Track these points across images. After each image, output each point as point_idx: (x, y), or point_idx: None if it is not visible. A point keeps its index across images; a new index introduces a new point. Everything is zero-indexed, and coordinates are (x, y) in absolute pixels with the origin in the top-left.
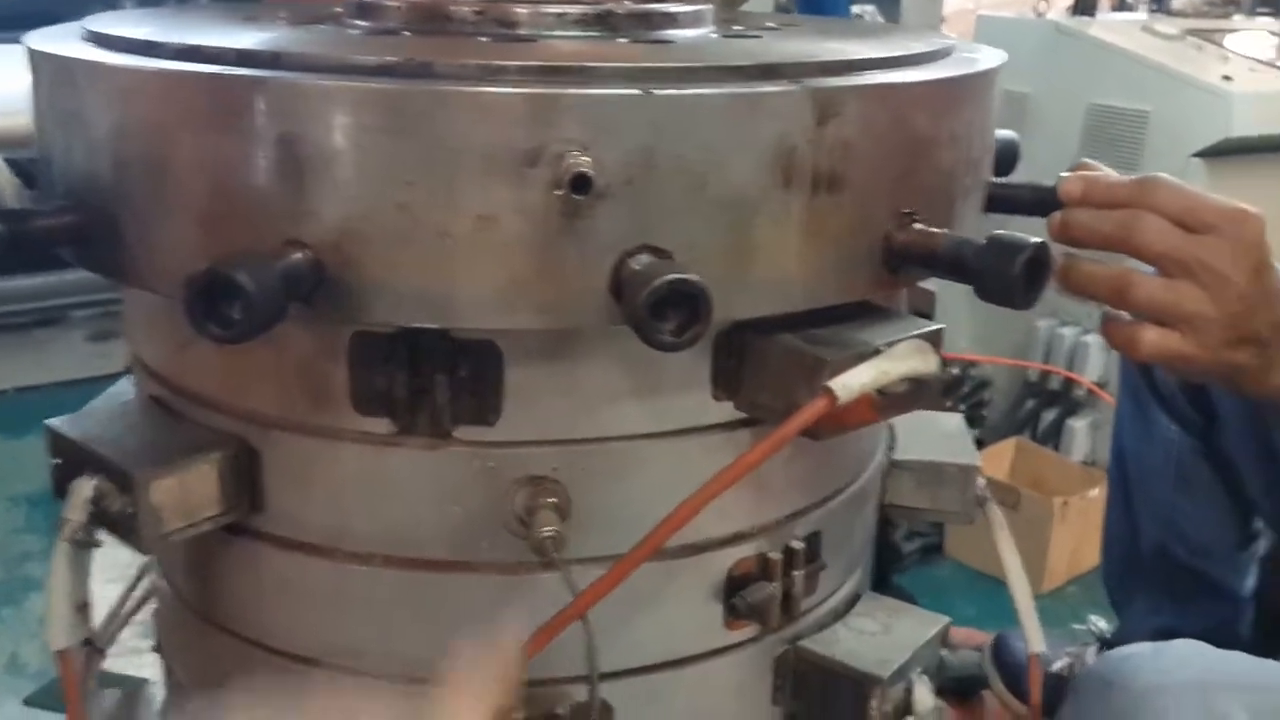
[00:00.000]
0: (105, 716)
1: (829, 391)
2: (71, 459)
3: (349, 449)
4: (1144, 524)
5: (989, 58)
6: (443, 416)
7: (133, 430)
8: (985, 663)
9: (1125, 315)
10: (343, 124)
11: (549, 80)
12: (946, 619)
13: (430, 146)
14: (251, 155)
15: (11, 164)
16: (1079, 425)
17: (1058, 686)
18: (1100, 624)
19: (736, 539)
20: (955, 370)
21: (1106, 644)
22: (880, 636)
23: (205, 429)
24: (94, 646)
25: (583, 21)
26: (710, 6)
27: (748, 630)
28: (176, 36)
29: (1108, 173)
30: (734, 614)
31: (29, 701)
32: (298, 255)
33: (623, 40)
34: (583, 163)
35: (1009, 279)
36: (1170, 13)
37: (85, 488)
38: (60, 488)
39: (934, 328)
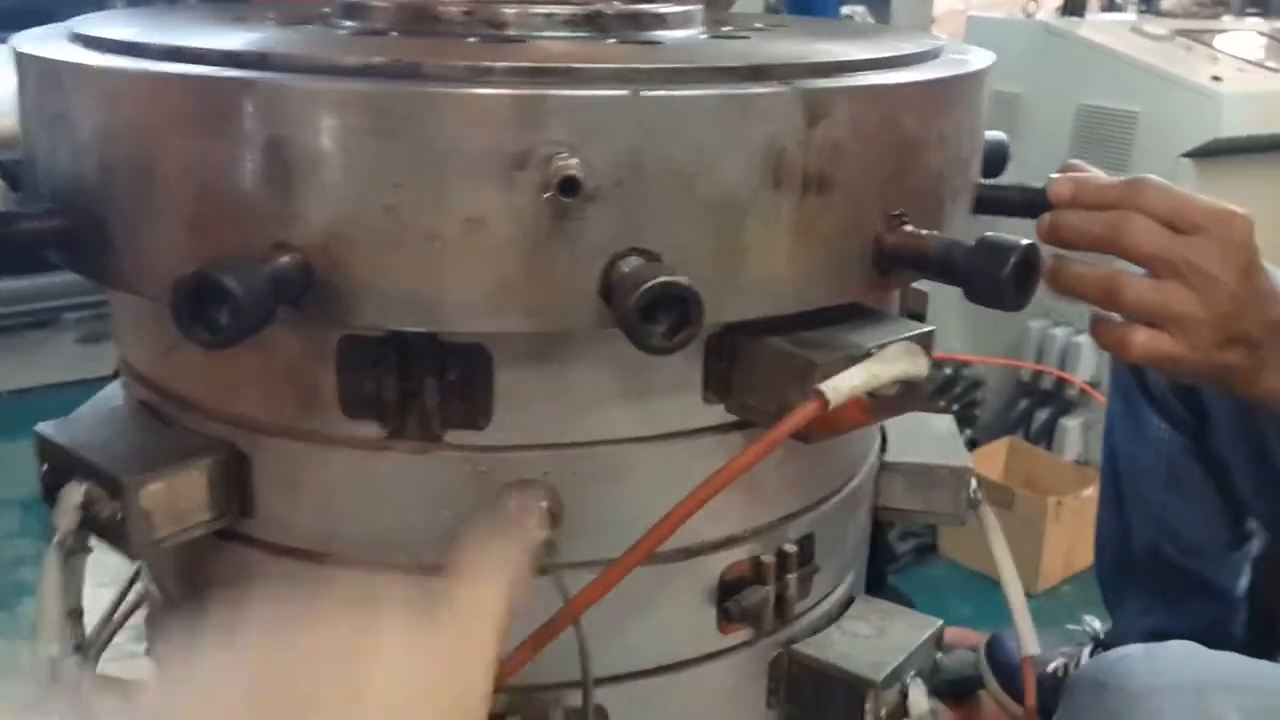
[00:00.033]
0: None
1: (820, 394)
2: (61, 465)
3: (338, 453)
4: (1136, 524)
5: (978, 59)
6: (432, 420)
7: (122, 435)
8: (980, 663)
9: (1115, 317)
10: (330, 126)
11: (537, 81)
12: (940, 621)
13: (418, 149)
14: (238, 157)
15: None
16: (1072, 425)
17: (1053, 687)
18: (1095, 624)
19: (729, 542)
20: (948, 370)
21: (1101, 644)
22: (874, 639)
23: (194, 434)
24: (86, 653)
25: (571, 22)
26: (699, 7)
27: (741, 634)
28: (162, 37)
29: (1097, 174)
30: (727, 618)
31: None
32: (285, 259)
33: (612, 41)
34: (571, 165)
35: (998, 281)
36: (1159, 13)
37: (75, 494)
38: (50, 494)
39: (924, 330)
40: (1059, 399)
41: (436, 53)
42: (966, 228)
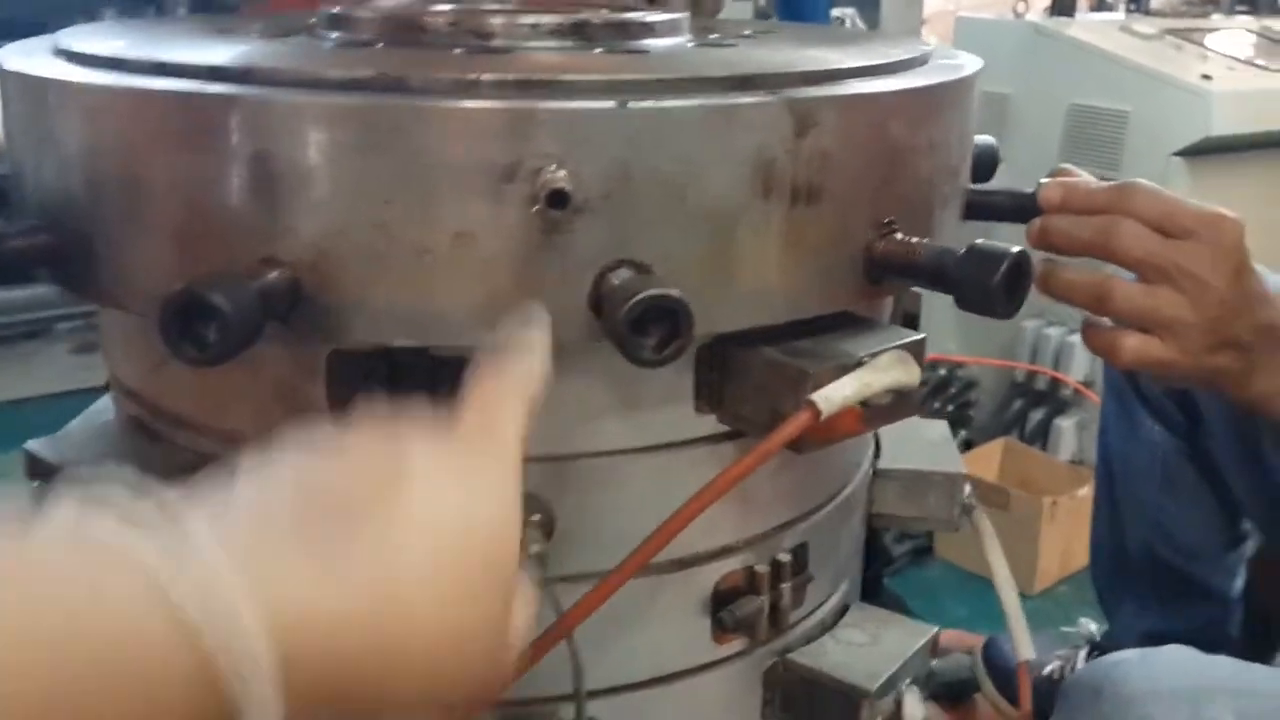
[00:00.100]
0: None
1: (812, 404)
2: (50, 482)
3: None
4: (1131, 526)
5: (967, 64)
6: None
7: (112, 452)
8: (976, 666)
9: (1106, 321)
10: (316, 140)
11: (524, 94)
12: (935, 628)
13: (406, 162)
14: (224, 173)
15: None
16: (1066, 425)
17: (1049, 690)
18: (1091, 626)
19: (723, 553)
20: (943, 371)
21: (1097, 646)
22: (869, 648)
23: (185, 450)
24: None
25: (558, 32)
26: (687, 15)
27: (735, 644)
28: (148, 52)
29: (1087, 178)
30: (721, 628)
31: None
32: (274, 274)
33: (598, 50)
34: (559, 178)
35: (989, 289)
36: (1149, 12)
37: None
38: None
39: (916, 338)
40: (1053, 399)
41: (423, 65)
42: (957, 234)
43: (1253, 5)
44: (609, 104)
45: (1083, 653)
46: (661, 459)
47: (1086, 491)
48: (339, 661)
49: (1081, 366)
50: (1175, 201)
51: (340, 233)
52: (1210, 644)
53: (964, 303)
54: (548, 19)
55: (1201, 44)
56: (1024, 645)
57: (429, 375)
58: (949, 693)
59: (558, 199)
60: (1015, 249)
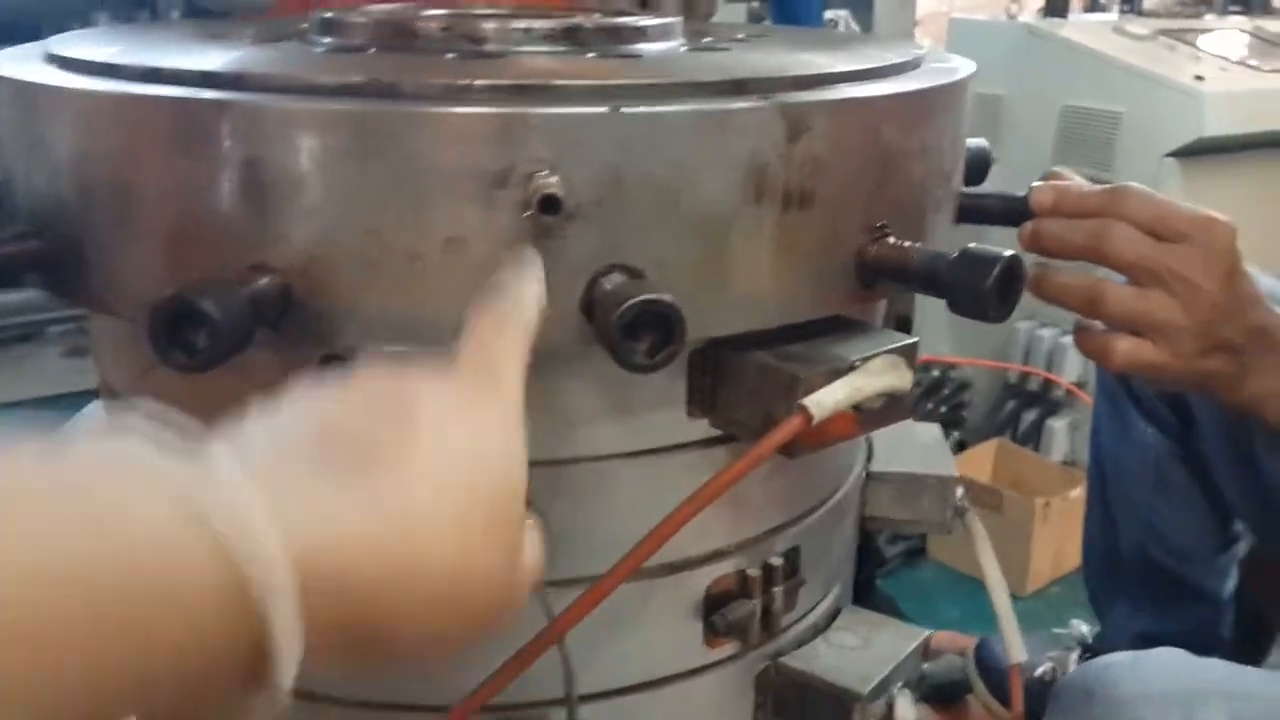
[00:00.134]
0: None
1: (804, 409)
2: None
3: None
4: (1123, 527)
5: (960, 68)
6: None
7: None
8: (968, 668)
9: (1098, 325)
10: (308, 147)
11: (516, 99)
12: (927, 631)
13: (397, 168)
14: (215, 179)
15: None
16: (1058, 426)
17: (1040, 691)
18: (1082, 628)
19: (715, 557)
20: (935, 373)
21: (1089, 648)
22: (861, 651)
23: None
24: None
25: (550, 36)
26: (680, 19)
27: (727, 648)
28: (139, 58)
29: (1079, 182)
30: (713, 632)
31: None
32: (264, 280)
33: (591, 55)
34: (551, 183)
35: (981, 293)
36: (1142, 13)
37: None
38: None
39: (908, 342)
40: (1046, 400)
41: (415, 70)
42: (950, 238)
43: (1245, 6)
44: (601, 109)
45: (1074, 654)
46: (654, 463)
47: (1079, 492)
48: (354, 589)
49: (1074, 368)
50: (1167, 205)
51: (332, 239)
52: (1202, 645)
53: (957, 307)
54: (540, 23)
55: (1194, 45)
56: (1016, 648)
57: None
58: (941, 694)
59: (550, 204)
60: (1008, 253)
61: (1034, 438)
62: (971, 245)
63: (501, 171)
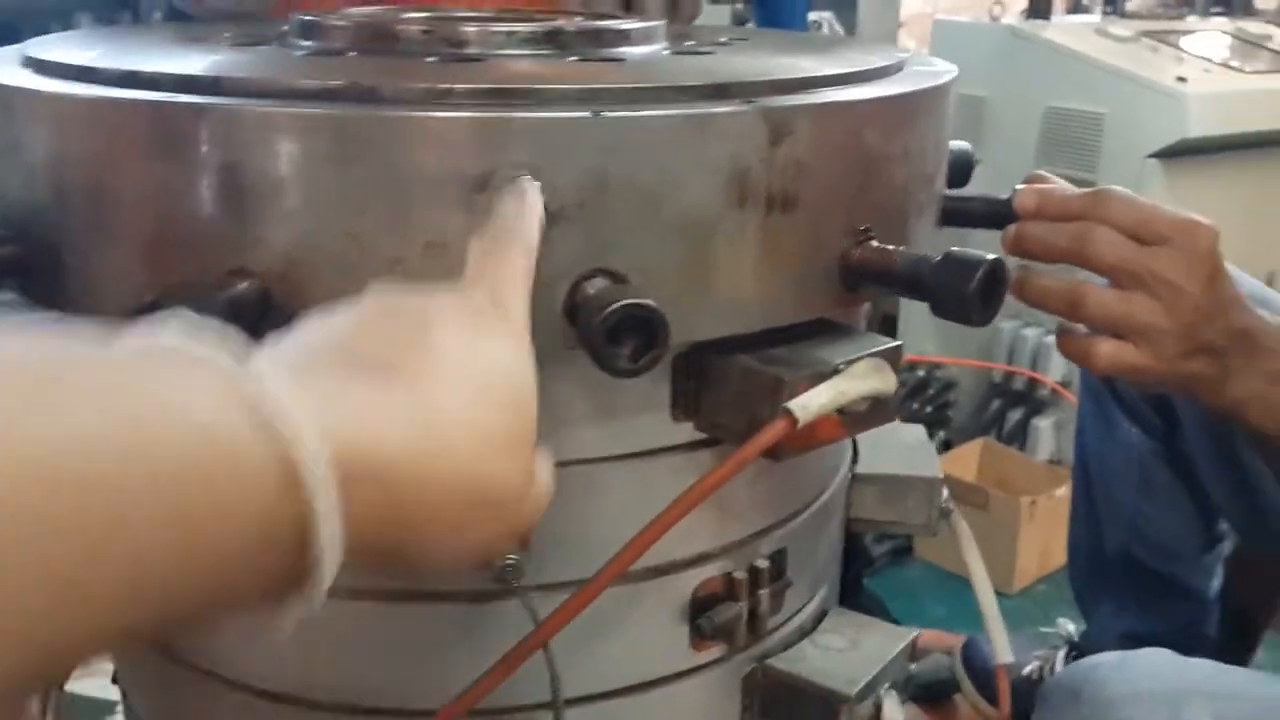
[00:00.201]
0: None
1: (788, 413)
2: None
3: None
4: (1108, 527)
5: (942, 71)
6: None
7: None
8: (955, 667)
9: (1080, 328)
10: (287, 151)
11: (497, 104)
12: (914, 632)
13: (377, 173)
14: (194, 184)
15: None
16: (1044, 425)
17: (1028, 691)
18: (1069, 627)
19: (701, 560)
20: (921, 373)
21: (1075, 647)
22: (848, 653)
23: None
24: None
25: (532, 40)
26: (662, 22)
27: (714, 651)
28: (117, 61)
29: (1062, 185)
30: (700, 635)
31: None
32: (243, 285)
33: (573, 59)
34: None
35: (964, 296)
36: (1124, 15)
37: None
38: None
39: (892, 345)
40: (1031, 399)
41: (395, 74)
42: (933, 241)
43: (1227, 7)
44: (583, 114)
45: (1061, 653)
46: (638, 467)
47: (1064, 491)
48: (390, 484)
49: (1059, 367)
50: (1149, 208)
51: (311, 243)
52: (1188, 644)
53: (940, 310)
54: (522, 27)
55: (1177, 46)
56: (1002, 649)
57: None
58: (928, 693)
59: None
60: (990, 257)
61: (1019, 437)
62: (954, 249)
63: (482, 176)
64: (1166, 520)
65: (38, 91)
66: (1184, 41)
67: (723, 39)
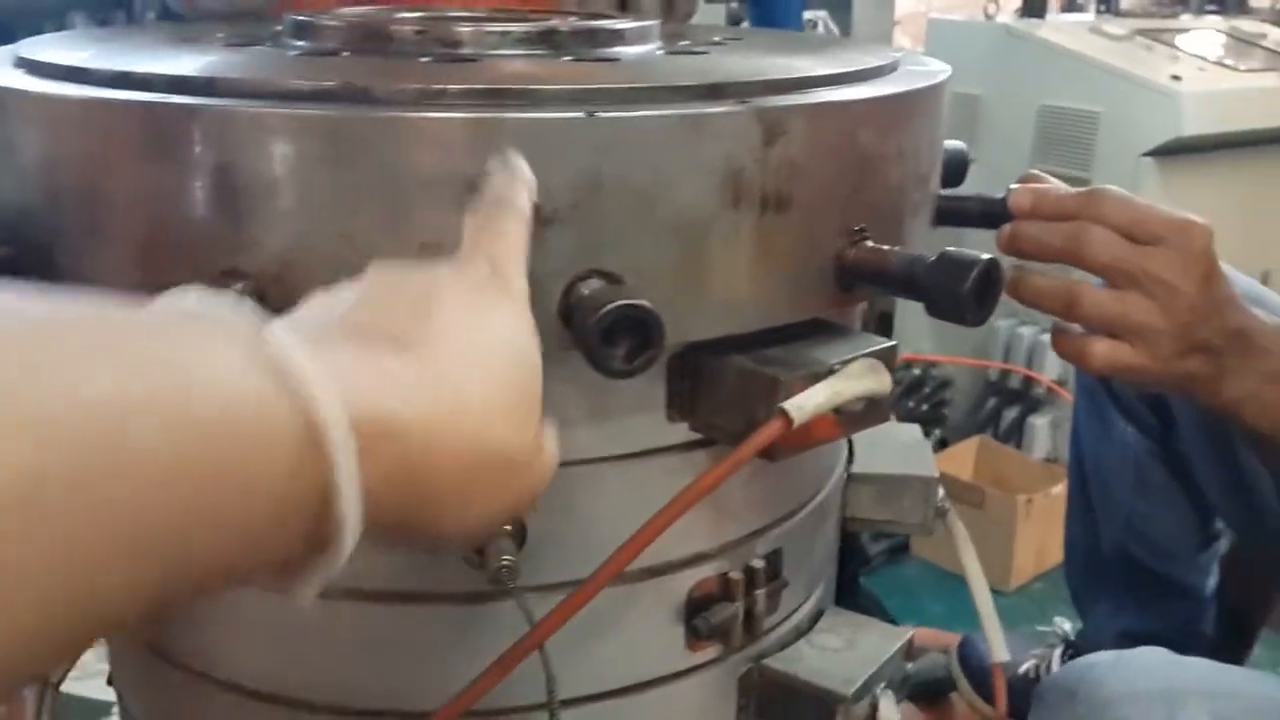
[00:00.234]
0: None
1: (783, 413)
2: None
3: None
4: (1105, 526)
5: (937, 71)
6: None
7: None
8: (952, 665)
9: (1076, 327)
10: (280, 152)
11: (491, 104)
12: (911, 630)
13: (371, 174)
14: (187, 185)
15: None
16: (1040, 423)
17: (1024, 689)
18: (1065, 626)
19: (697, 560)
20: (916, 371)
21: (1072, 645)
22: (844, 652)
23: None
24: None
25: (526, 40)
26: (657, 22)
27: (710, 651)
28: (109, 62)
29: (1056, 184)
30: (696, 635)
31: None
32: (237, 286)
33: (567, 59)
34: None
35: (959, 297)
36: (1119, 13)
37: None
38: None
39: (887, 345)
40: (1027, 398)
41: (389, 74)
42: (928, 241)
43: (1222, 5)
44: (577, 114)
45: (1057, 652)
46: (634, 467)
47: (1060, 489)
48: (406, 452)
49: (1055, 365)
50: (1144, 208)
51: (305, 244)
52: (1184, 643)
53: (935, 310)
54: (516, 27)
55: (1171, 44)
56: (999, 648)
57: None
58: (925, 692)
59: None
60: (985, 257)
61: (1015, 435)
62: (949, 249)
63: (476, 176)
64: (1162, 519)
65: (29, 92)
66: (1179, 40)
67: (717, 38)
